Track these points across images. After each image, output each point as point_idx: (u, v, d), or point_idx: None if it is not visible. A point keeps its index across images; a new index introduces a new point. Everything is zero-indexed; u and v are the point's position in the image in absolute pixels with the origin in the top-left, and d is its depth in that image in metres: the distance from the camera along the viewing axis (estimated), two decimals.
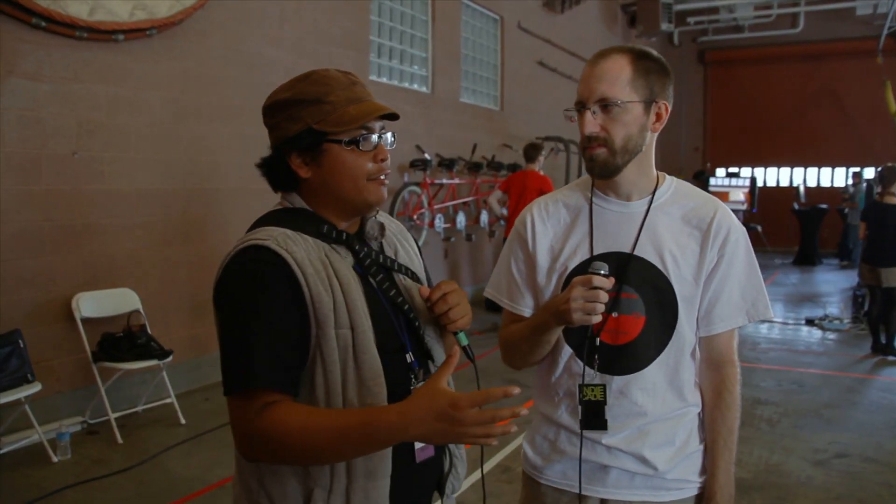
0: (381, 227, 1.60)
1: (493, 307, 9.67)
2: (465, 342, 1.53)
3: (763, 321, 1.83)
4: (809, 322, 9.18)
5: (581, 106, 1.72)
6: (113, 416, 4.95)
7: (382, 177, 1.51)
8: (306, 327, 1.39)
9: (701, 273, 1.75)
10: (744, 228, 1.81)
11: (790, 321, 9.52)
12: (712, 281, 1.76)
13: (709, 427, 1.83)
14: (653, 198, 1.79)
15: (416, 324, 1.54)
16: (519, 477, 4.22)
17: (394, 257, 1.60)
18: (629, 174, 1.75)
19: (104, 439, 4.89)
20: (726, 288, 1.77)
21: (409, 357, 1.50)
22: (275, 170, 1.53)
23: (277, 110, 1.49)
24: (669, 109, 1.76)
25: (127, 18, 5.19)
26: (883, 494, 4.20)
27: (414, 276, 1.61)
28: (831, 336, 8.64)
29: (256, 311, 1.36)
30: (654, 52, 1.75)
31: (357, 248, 1.50)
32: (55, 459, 4.49)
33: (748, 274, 1.79)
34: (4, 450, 4.51)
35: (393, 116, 1.52)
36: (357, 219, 1.56)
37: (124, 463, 4.52)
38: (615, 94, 1.67)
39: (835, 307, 10.03)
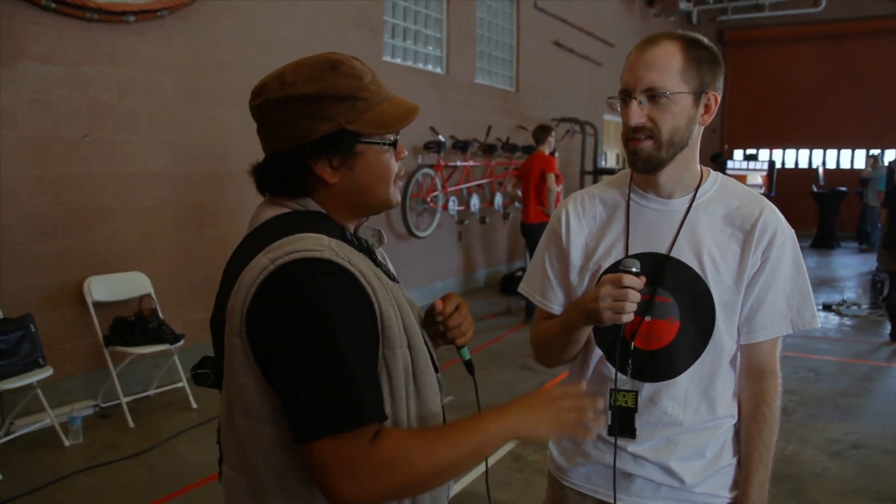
0: (379, 233, 1.47)
1: (506, 291, 9.65)
2: (467, 357, 1.50)
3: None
4: (827, 307, 9.06)
5: (626, 95, 1.61)
6: (124, 399, 4.96)
7: None
8: (378, 348, 1.25)
9: (742, 278, 1.65)
10: (792, 230, 1.69)
11: None
12: (755, 286, 1.66)
13: (744, 440, 1.74)
14: (695, 196, 1.70)
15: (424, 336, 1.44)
16: (530, 466, 4.22)
17: (386, 266, 1.49)
18: (672, 170, 1.65)
19: (116, 423, 4.91)
20: (770, 294, 1.66)
21: None
22: (287, 175, 1.33)
23: (296, 105, 1.28)
24: (719, 101, 1.66)
25: None
26: None
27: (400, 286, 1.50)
28: (848, 322, 8.53)
29: (345, 333, 1.17)
30: (706, 40, 1.65)
31: (373, 257, 1.37)
32: (67, 443, 4.51)
33: (795, 279, 1.68)
34: (17, 433, 4.53)
35: None
36: (354, 226, 1.43)
37: (136, 447, 4.53)
38: (664, 83, 1.57)
39: (853, 292, 9.90)
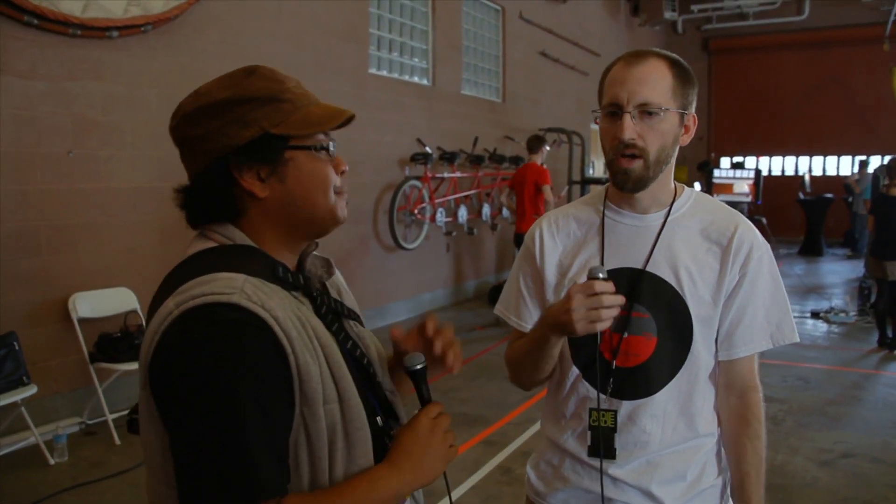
0: (328, 263, 1.34)
1: (495, 301, 9.57)
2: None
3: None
4: (815, 315, 9.09)
5: (616, 109, 1.58)
6: (111, 416, 4.90)
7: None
8: (293, 405, 1.11)
9: (720, 292, 1.63)
10: (767, 244, 1.69)
11: (795, 314, 9.39)
12: (733, 302, 1.64)
13: (737, 459, 1.69)
14: (669, 210, 1.69)
15: (377, 379, 1.32)
16: (519, 479, 4.19)
17: (339, 298, 1.36)
18: (652, 187, 1.64)
19: (102, 440, 4.86)
20: (749, 309, 1.65)
21: (380, 420, 1.27)
22: (213, 195, 1.19)
23: (214, 114, 1.17)
24: (696, 121, 1.68)
25: (121, 15, 5.12)
26: (890, 497, 4.13)
27: (360, 321, 1.37)
28: (836, 329, 8.55)
29: (246, 395, 1.04)
30: (683, 61, 1.66)
31: (315, 294, 1.24)
32: (52, 462, 4.46)
33: (773, 294, 1.67)
34: (1, 453, 4.48)
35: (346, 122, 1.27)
36: (297, 255, 1.29)
37: (122, 464, 4.48)
38: (658, 100, 1.56)
39: (840, 299, 9.94)
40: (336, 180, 1.25)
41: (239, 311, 1.06)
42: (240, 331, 1.05)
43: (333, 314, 1.27)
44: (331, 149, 1.25)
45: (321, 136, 1.23)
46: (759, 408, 1.70)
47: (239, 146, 1.17)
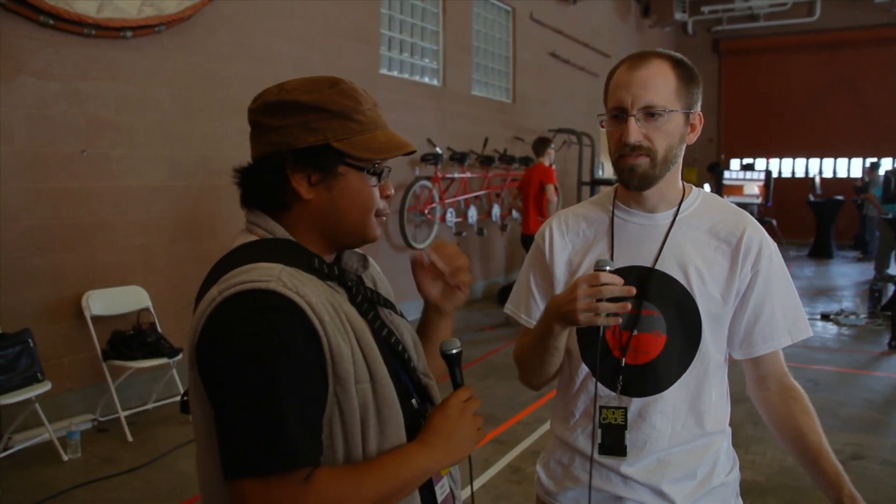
0: (364, 259, 1.44)
1: (504, 302, 9.57)
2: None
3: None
4: (825, 317, 9.05)
5: (621, 112, 1.61)
6: (123, 414, 4.95)
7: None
8: (326, 384, 1.20)
9: (731, 291, 1.65)
10: (775, 243, 1.71)
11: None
12: (749, 300, 1.66)
13: (800, 433, 1.68)
14: (678, 209, 1.70)
15: (412, 364, 1.41)
16: (529, 478, 4.21)
17: (374, 288, 1.46)
18: (660, 186, 1.66)
19: (114, 437, 4.90)
20: (766, 307, 1.66)
21: (416, 402, 1.36)
22: (266, 182, 1.30)
23: (290, 112, 1.27)
24: (703, 119, 1.69)
25: (135, 15, 5.16)
26: None
27: (395, 309, 1.46)
28: (847, 332, 8.52)
29: (281, 373, 1.13)
30: (687, 59, 1.67)
31: (350, 284, 1.33)
32: (65, 458, 4.50)
33: (786, 291, 1.70)
34: (15, 448, 4.52)
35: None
36: (333, 253, 1.39)
37: (134, 461, 4.52)
38: (662, 102, 1.58)
39: (850, 301, 9.90)
40: (380, 203, 1.35)
41: (275, 297, 1.16)
42: (275, 314, 1.15)
43: (368, 303, 1.36)
44: (383, 175, 1.35)
45: (377, 161, 1.32)
46: (799, 387, 1.73)
47: (299, 148, 1.27)
